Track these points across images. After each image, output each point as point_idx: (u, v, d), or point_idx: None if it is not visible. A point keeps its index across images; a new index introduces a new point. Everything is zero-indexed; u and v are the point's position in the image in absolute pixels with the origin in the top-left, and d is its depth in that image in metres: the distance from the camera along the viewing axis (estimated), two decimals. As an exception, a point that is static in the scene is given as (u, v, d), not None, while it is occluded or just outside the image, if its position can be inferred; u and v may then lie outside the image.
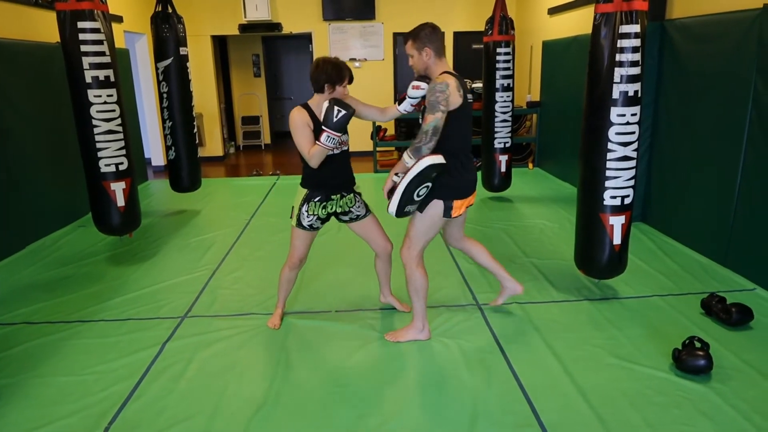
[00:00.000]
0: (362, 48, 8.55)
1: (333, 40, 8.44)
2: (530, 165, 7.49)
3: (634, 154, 3.11)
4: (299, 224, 2.89)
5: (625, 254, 3.29)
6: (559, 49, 6.56)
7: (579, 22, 6.16)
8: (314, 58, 3.14)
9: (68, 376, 2.66)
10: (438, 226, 2.76)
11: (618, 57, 2.98)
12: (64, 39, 3.66)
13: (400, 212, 2.61)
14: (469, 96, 2.67)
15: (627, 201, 3.16)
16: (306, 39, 8.87)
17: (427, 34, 2.63)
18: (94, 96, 3.72)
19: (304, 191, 2.87)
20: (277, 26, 8.32)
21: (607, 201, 3.15)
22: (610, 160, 3.09)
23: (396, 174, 2.59)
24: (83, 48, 3.63)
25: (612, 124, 3.05)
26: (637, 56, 2.98)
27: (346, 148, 2.87)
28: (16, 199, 4.37)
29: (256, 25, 8.27)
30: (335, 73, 2.69)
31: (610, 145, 3.08)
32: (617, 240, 3.20)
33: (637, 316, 3.14)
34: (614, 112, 3.04)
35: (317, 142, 2.64)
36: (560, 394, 2.45)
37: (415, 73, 2.76)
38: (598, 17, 3.04)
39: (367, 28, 8.45)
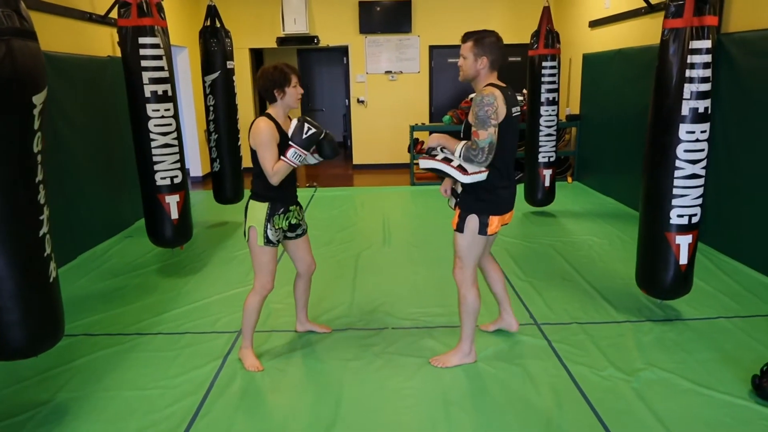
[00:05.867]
0: (398, 61, 8.56)
1: (369, 53, 8.47)
2: (569, 179, 7.39)
3: (702, 172, 3.03)
4: (268, 242, 2.68)
5: (690, 274, 3.20)
6: (601, 63, 6.48)
7: (620, 35, 6.07)
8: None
9: (133, 390, 2.66)
10: (481, 241, 2.67)
11: (688, 73, 2.91)
12: (125, 54, 3.72)
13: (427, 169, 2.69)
14: (515, 109, 2.59)
15: (695, 220, 3.08)
16: (339, 51, 8.92)
17: (491, 42, 2.56)
18: (153, 110, 3.77)
19: (265, 206, 2.67)
20: (314, 39, 8.39)
21: (674, 220, 3.07)
22: (677, 177, 3.02)
23: (443, 149, 2.61)
24: (143, 63, 3.69)
25: (680, 141, 2.98)
26: (707, 72, 2.91)
27: None
28: (69, 209, 4.43)
29: (293, 38, 8.35)
30: (280, 76, 2.59)
31: (678, 163, 3.01)
32: (684, 260, 3.12)
33: (704, 338, 3.04)
34: (683, 129, 2.97)
35: (283, 157, 2.57)
36: (636, 420, 2.37)
37: (460, 76, 2.67)
38: (666, 32, 2.98)
39: (403, 41, 8.46)
